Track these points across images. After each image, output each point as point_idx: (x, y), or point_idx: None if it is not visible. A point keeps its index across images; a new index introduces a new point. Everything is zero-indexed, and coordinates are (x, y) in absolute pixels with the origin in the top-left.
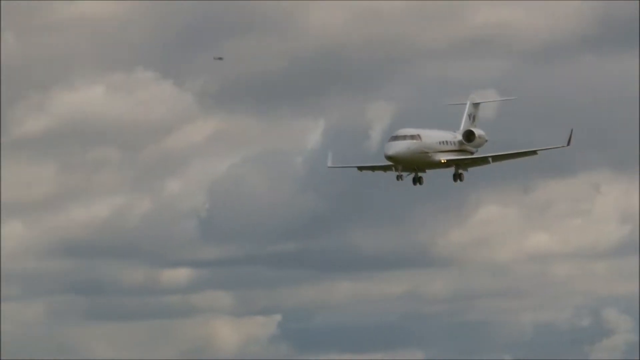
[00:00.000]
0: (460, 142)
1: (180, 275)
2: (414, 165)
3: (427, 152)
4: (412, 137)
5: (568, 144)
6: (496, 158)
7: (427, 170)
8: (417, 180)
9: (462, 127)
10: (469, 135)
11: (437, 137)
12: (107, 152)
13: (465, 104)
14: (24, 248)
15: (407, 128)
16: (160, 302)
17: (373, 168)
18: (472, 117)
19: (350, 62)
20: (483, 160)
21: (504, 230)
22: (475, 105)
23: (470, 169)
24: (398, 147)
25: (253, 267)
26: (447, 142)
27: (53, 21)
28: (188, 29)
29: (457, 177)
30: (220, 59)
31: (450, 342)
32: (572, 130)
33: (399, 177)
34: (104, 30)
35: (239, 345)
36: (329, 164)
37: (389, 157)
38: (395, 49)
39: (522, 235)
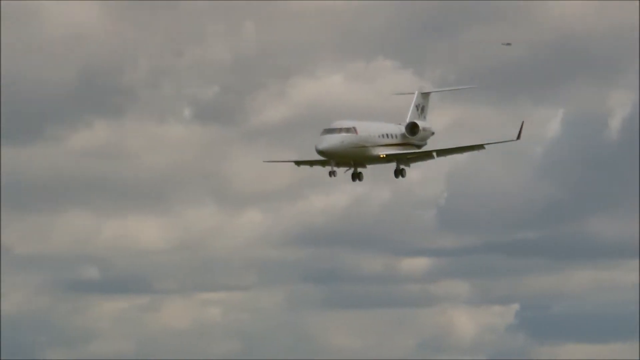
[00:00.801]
0: (403, 136)
1: (419, 264)
2: (350, 160)
3: (365, 146)
4: (347, 130)
5: (518, 137)
6: (441, 152)
7: (367, 166)
8: (356, 176)
9: (408, 119)
10: (412, 128)
11: (376, 130)
12: None
13: (413, 93)
14: (263, 237)
15: (343, 120)
16: (398, 291)
17: (311, 163)
18: (421, 108)
19: (590, 50)
20: (427, 155)
21: None
22: (425, 95)
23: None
24: (330, 141)
25: (491, 256)
26: (388, 135)
27: (294, 10)
28: (427, 19)
29: (398, 172)
30: (508, 44)
31: None
32: (522, 123)
33: (331, 173)
34: (344, 19)
35: (476, 335)
36: (265, 158)
37: (319, 152)
38: (636, 36)
39: None
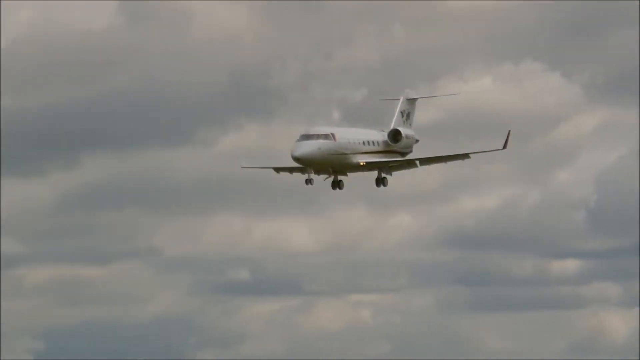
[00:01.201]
0: (386, 143)
1: (569, 266)
2: (327, 168)
3: (344, 154)
4: (325, 136)
5: (504, 147)
6: (424, 161)
7: (348, 174)
8: (336, 185)
9: (393, 125)
10: (394, 135)
11: (356, 137)
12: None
13: (399, 99)
14: (413, 239)
15: (320, 126)
16: (548, 293)
17: (290, 170)
18: (406, 115)
19: None
20: (409, 164)
21: None
22: (410, 101)
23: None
24: (306, 148)
25: None
26: (369, 142)
27: (442, 12)
28: (576, 19)
29: (379, 181)
30: None
31: None
32: (509, 132)
33: (308, 181)
34: (492, 20)
35: (627, 336)
36: (243, 164)
37: (295, 159)
38: None
39: None
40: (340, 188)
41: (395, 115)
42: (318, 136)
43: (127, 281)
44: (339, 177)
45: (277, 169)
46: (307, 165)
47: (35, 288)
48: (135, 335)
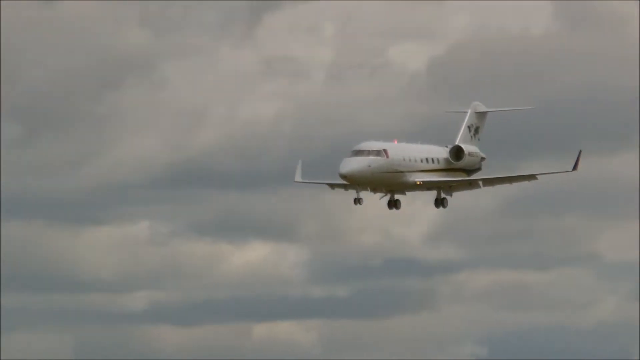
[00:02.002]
0: (447, 161)
1: None
2: (379, 187)
3: (398, 171)
4: (377, 152)
5: (574, 168)
6: (487, 182)
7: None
8: (393, 204)
9: (458, 141)
10: (457, 152)
11: (413, 154)
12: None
13: (466, 112)
14: None
15: (373, 141)
16: None
17: (345, 186)
18: (474, 130)
19: None
20: (471, 184)
21: None
22: (480, 115)
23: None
24: (355, 165)
25: None
26: (428, 159)
27: None
28: None
29: (439, 202)
30: None
31: None
32: (580, 152)
33: (356, 201)
34: None
35: None
36: (297, 178)
37: (342, 176)
38: None
39: None
40: (398, 208)
41: (462, 130)
42: (369, 152)
43: (569, 286)
44: (396, 196)
45: (332, 185)
46: (356, 183)
47: (476, 294)
48: (576, 341)
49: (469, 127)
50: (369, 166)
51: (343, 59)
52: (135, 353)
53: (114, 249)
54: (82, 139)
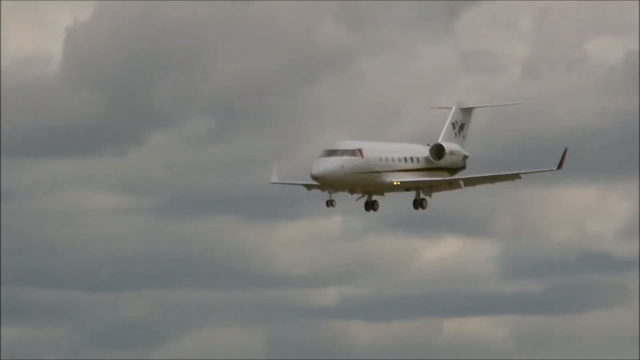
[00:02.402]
0: (427, 160)
1: None
2: (355, 188)
3: (374, 172)
4: (351, 152)
5: (559, 167)
6: (469, 182)
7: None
8: (370, 206)
9: (441, 139)
10: (437, 151)
11: (390, 153)
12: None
13: (451, 108)
14: None
15: (348, 141)
16: None
17: (322, 187)
18: (459, 127)
19: None
20: (452, 184)
21: None
22: (465, 111)
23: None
24: (327, 166)
25: None
26: (407, 159)
27: None
28: None
29: (417, 203)
30: None
31: None
32: (566, 150)
33: (329, 203)
34: None
35: None
36: (272, 179)
37: (314, 177)
38: None
39: None
40: (375, 209)
41: (445, 127)
42: (343, 152)
43: None
44: (374, 197)
45: (308, 186)
46: (328, 184)
47: None
48: None
49: (453, 124)
50: (343, 167)
51: (540, 53)
52: (327, 348)
53: (307, 244)
54: (277, 134)
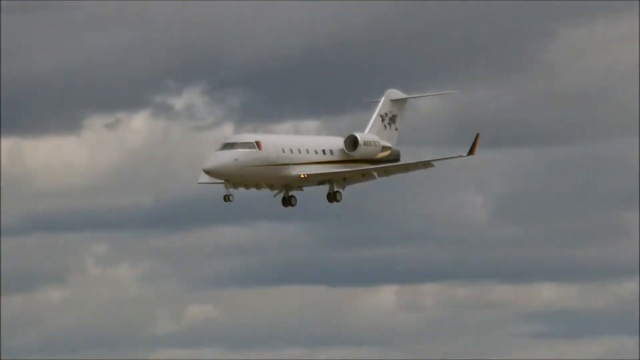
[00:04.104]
0: (343, 152)
1: None
2: (258, 182)
3: (276, 165)
4: (248, 145)
5: (470, 152)
6: (382, 172)
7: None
8: (287, 202)
9: (368, 130)
10: (352, 142)
11: (297, 145)
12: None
13: (380, 100)
14: None
15: (245, 133)
16: None
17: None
18: (390, 119)
19: None
20: (364, 175)
21: None
22: (396, 102)
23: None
24: (219, 160)
25: None
26: (317, 151)
27: None
28: None
29: (332, 196)
30: None
31: None
32: (477, 136)
33: (226, 197)
34: None
35: None
36: (200, 179)
37: (206, 172)
38: None
39: None
40: (293, 205)
41: (372, 120)
42: (238, 145)
43: None
44: (290, 193)
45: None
46: (225, 179)
47: None
48: None
49: (381, 116)
50: (236, 160)
51: None
52: None
53: None
54: None
